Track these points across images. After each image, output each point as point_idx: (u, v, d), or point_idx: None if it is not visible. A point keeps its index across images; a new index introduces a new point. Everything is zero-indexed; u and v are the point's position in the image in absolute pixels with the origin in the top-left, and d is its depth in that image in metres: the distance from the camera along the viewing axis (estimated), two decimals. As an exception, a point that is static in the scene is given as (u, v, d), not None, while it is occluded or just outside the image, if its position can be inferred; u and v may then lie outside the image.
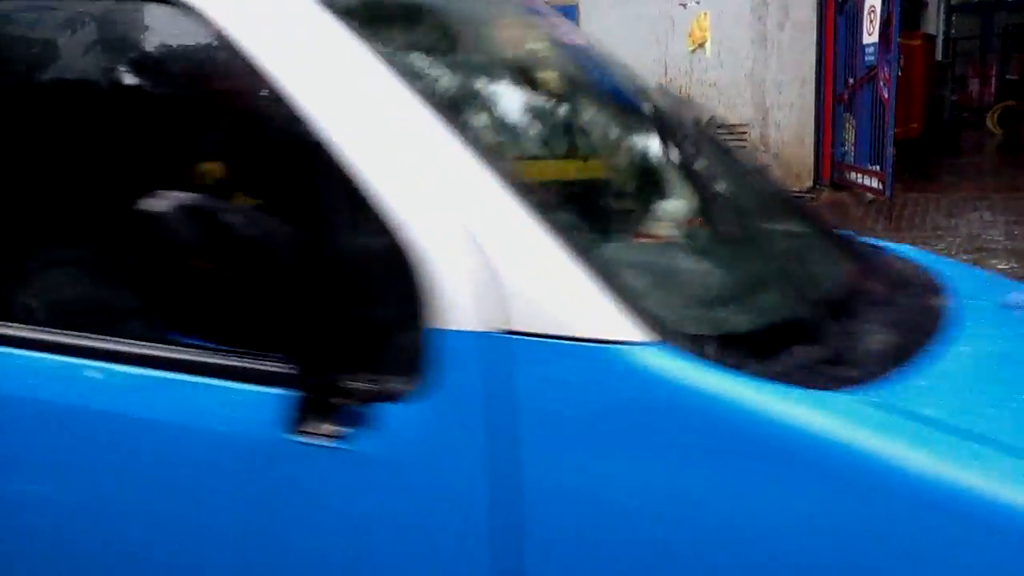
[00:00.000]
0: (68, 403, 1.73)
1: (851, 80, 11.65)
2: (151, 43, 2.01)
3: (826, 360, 1.56)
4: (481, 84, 2.09)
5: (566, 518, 1.44)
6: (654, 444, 1.40)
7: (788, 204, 2.70)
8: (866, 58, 10.99)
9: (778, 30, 11.96)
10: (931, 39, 17.76)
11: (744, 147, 12.27)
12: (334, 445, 1.51)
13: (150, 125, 1.95)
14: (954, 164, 15.06)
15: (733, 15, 12.10)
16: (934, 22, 25.31)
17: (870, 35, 10.77)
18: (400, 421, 1.50)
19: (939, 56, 21.66)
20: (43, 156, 2.01)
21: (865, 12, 10.90)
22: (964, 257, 8.34)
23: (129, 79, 2.02)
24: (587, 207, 1.98)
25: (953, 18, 25.57)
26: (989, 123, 20.53)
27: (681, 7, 12.40)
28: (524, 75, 2.24)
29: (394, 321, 1.56)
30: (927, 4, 24.07)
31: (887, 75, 10.32)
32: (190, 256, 1.41)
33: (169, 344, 1.68)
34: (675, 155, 2.30)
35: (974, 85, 24.12)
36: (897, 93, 10.51)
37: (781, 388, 1.40)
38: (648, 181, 2.31)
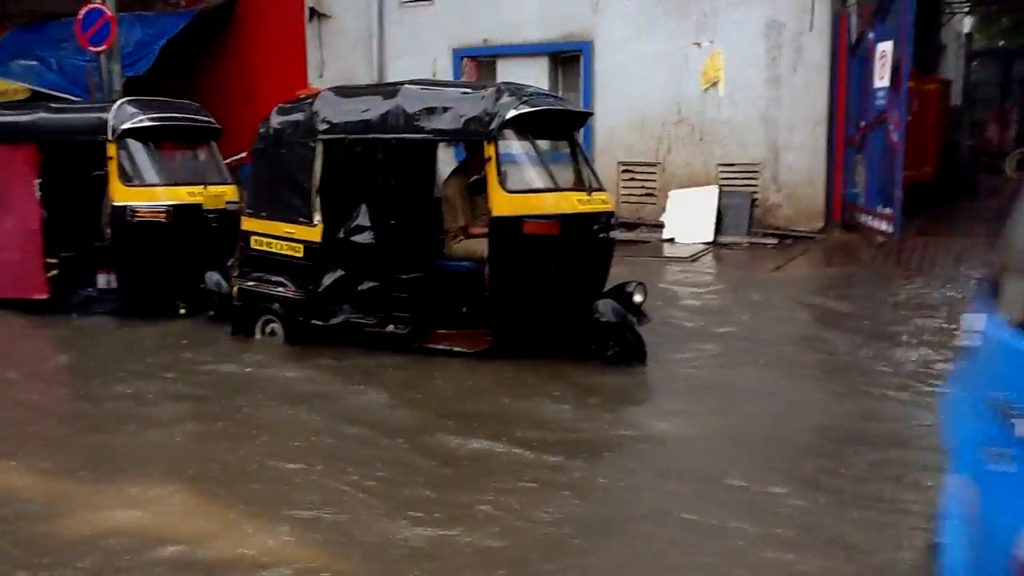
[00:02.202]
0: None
1: (863, 123, 11.72)
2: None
3: None
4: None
5: None
6: None
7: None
8: (877, 102, 11.06)
9: (791, 72, 12.06)
10: (947, 84, 17.79)
11: (755, 186, 12.34)
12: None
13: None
14: (968, 208, 15.02)
15: (747, 56, 12.21)
16: (953, 67, 25.37)
17: (881, 79, 10.85)
18: None
19: (958, 100, 21.70)
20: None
21: (876, 57, 10.99)
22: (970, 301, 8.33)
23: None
24: None
25: (973, 63, 25.61)
26: (1007, 168, 20.46)
27: (695, 47, 12.53)
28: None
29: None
30: (946, 49, 24.15)
31: (897, 119, 10.38)
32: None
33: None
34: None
35: (993, 130, 24.06)
36: (910, 137, 10.57)
37: None
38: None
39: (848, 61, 12.06)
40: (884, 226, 11.03)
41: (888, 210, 10.93)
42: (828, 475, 4.50)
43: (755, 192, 12.39)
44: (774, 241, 11.90)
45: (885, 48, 10.79)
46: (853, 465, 4.64)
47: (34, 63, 15.05)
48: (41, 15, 17.46)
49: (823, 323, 7.94)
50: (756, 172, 12.38)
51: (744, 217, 12.24)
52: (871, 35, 11.45)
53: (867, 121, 11.55)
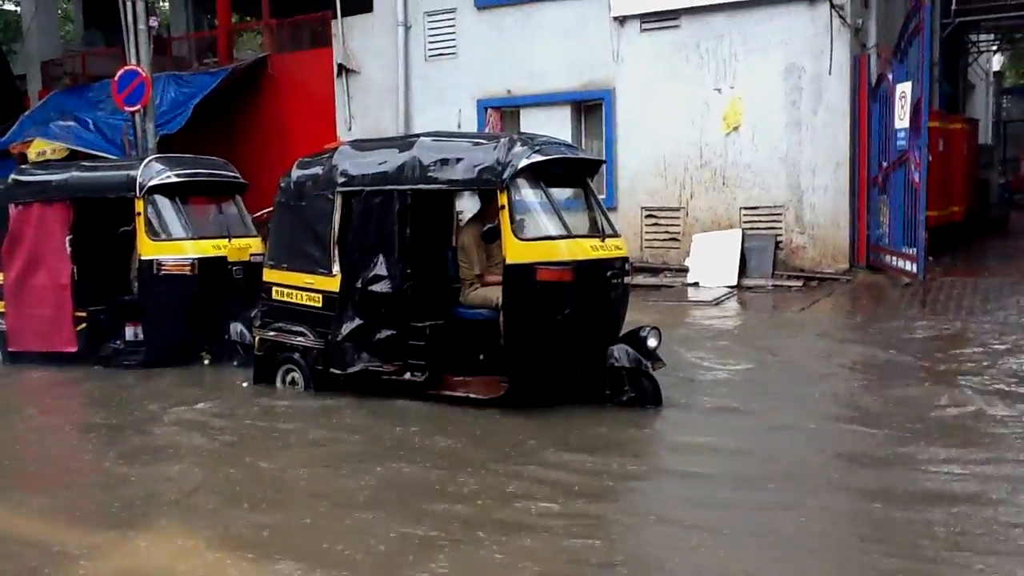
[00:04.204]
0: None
1: (885, 163, 11.70)
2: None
3: None
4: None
5: None
6: None
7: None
8: (898, 142, 11.05)
9: (812, 114, 12.10)
10: (973, 123, 17.70)
11: (779, 228, 12.33)
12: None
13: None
14: (998, 248, 14.86)
15: (767, 99, 12.29)
16: (983, 105, 25.25)
17: (901, 120, 10.85)
18: None
19: (987, 139, 21.58)
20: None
21: (896, 97, 11.00)
22: (995, 343, 8.23)
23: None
24: None
25: (1004, 101, 25.47)
26: (1041, 206, 20.26)
27: (716, 92, 12.63)
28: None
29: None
30: (975, 87, 24.07)
31: (918, 159, 10.36)
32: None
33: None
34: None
35: (1026, 168, 23.86)
36: (936, 176, 10.53)
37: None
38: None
39: (868, 102, 12.09)
40: (909, 267, 10.96)
41: (913, 250, 10.86)
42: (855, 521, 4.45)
43: (779, 235, 12.38)
44: (799, 283, 11.85)
45: (904, 89, 10.82)
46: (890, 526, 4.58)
47: (72, 123, 15.57)
48: (84, 77, 18.12)
49: (845, 366, 7.88)
50: (779, 215, 12.38)
51: (768, 260, 12.22)
52: (890, 76, 11.48)
53: (889, 162, 11.53)
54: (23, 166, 11.22)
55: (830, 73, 11.93)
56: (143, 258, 8.35)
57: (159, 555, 4.24)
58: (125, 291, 8.89)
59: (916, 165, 10.41)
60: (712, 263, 12.32)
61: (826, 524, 4.42)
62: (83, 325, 8.67)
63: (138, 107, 12.49)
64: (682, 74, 12.84)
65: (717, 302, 11.19)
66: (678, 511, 4.66)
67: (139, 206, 8.34)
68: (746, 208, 12.56)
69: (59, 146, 14.99)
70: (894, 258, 11.47)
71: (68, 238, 8.61)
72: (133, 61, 12.59)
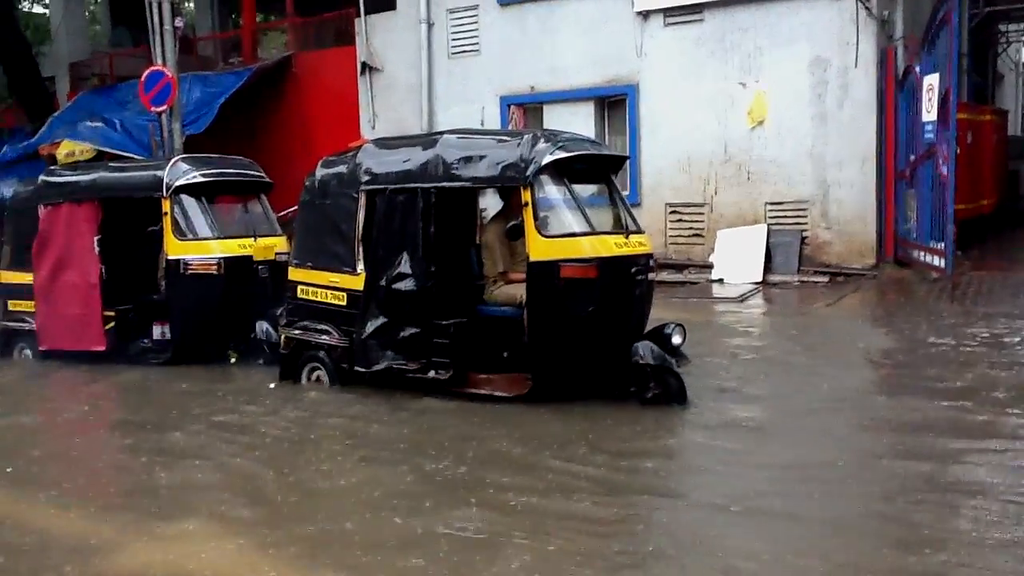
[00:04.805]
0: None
1: (912, 157, 11.57)
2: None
3: None
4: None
5: None
6: None
7: None
8: (926, 135, 10.93)
9: (838, 108, 12.00)
10: (1003, 114, 17.46)
11: (805, 224, 12.24)
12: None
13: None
14: (1029, 241, 14.68)
15: (793, 93, 12.19)
16: (1012, 96, 24.91)
17: (928, 112, 10.73)
18: None
19: (1017, 130, 21.28)
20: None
21: (924, 90, 10.88)
22: (1025, 337, 8.13)
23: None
24: None
25: (1034, 91, 25.13)
26: (1072, 198, 19.94)
27: (740, 86, 12.55)
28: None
29: None
30: (1004, 78, 23.75)
31: (946, 152, 10.24)
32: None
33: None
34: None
35: (1058, 159, 23.48)
36: (964, 169, 10.41)
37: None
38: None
39: (895, 95, 11.96)
40: (937, 261, 10.83)
41: (941, 245, 10.74)
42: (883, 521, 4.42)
43: (804, 230, 12.28)
44: (825, 279, 11.76)
45: (932, 81, 10.69)
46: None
47: (100, 124, 15.71)
48: (111, 78, 18.30)
49: (873, 360, 7.80)
50: (805, 210, 12.28)
51: (794, 255, 12.13)
52: (917, 68, 11.35)
53: (917, 155, 11.41)
54: (52, 167, 11.34)
55: (856, 66, 11.82)
56: (170, 257, 8.43)
57: (188, 553, 4.28)
58: (152, 290, 8.98)
59: (944, 158, 10.29)
60: (737, 259, 12.25)
61: (860, 519, 4.38)
62: (112, 324, 8.76)
63: (164, 107, 12.59)
64: (706, 68, 12.77)
65: (743, 298, 11.13)
66: (714, 500, 4.67)
67: (166, 206, 8.41)
68: (771, 203, 12.47)
69: (87, 147, 15.14)
70: (922, 253, 11.35)
71: (96, 238, 8.70)
72: (159, 62, 12.70)
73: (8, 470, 5.78)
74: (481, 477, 5.13)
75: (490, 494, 4.85)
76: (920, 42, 11.55)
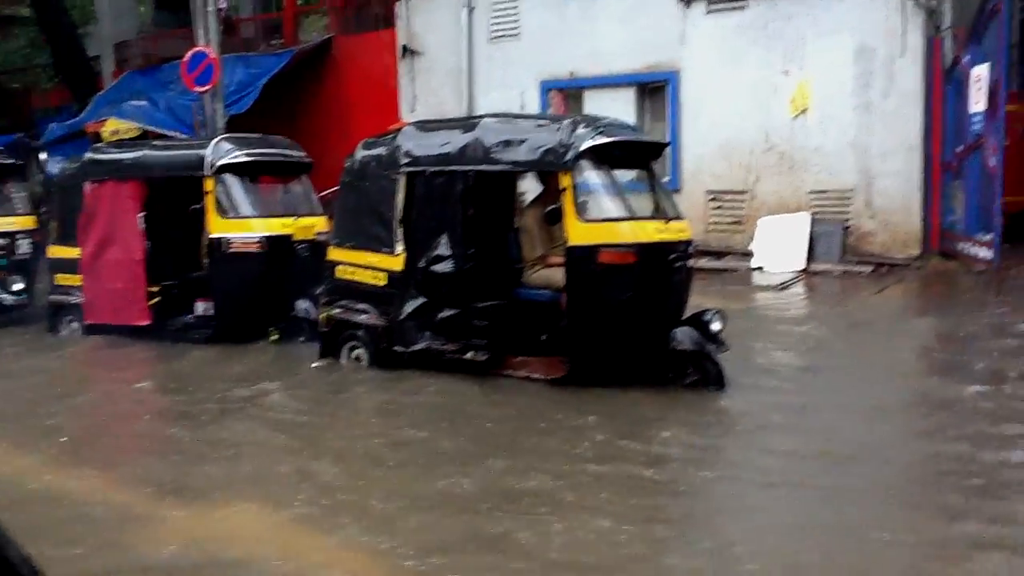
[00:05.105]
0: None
1: (959, 148, 11.38)
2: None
3: None
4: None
5: None
6: None
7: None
8: (973, 126, 10.74)
9: (883, 98, 11.81)
10: (1053, 106, 17.05)
11: (848, 213, 12.09)
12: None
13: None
14: (1078, 235, 14.34)
15: (836, 83, 12.03)
16: (1063, 88, 24.34)
17: (977, 104, 10.53)
18: None
19: (1067, 123, 20.82)
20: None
21: (972, 80, 10.68)
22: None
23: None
24: None
25: (1086, 84, 24.52)
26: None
27: (783, 74, 12.40)
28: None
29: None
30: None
31: (994, 144, 10.06)
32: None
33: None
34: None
35: (1109, 153, 22.96)
36: (1013, 161, 10.18)
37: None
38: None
39: (943, 85, 11.75)
40: (984, 253, 10.64)
41: (988, 237, 10.55)
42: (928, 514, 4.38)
43: (847, 219, 12.13)
44: (868, 269, 11.61)
45: (981, 71, 10.48)
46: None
47: (144, 103, 15.91)
48: (155, 58, 18.52)
49: (916, 352, 7.71)
50: (848, 199, 12.12)
51: (836, 244, 11.99)
52: (966, 58, 11.14)
53: (964, 146, 11.21)
54: (97, 144, 11.51)
55: (902, 55, 11.62)
56: (212, 236, 8.54)
57: (231, 526, 4.36)
58: (195, 268, 9.10)
59: (993, 150, 10.10)
60: (778, 247, 12.13)
61: (897, 508, 4.36)
62: (156, 299, 8.90)
63: (208, 87, 12.71)
64: (748, 56, 12.62)
65: (784, 286, 11.03)
66: (753, 476, 4.70)
67: (208, 185, 8.51)
68: (814, 192, 12.32)
69: (131, 125, 15.35)
70: (968, 245, 11.16)
71: (141, 215, 8.83)
72: (202, 43, 12.81)
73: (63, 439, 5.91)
74: (532, 444, 5.23)
75: (537, 460, 4.98)
76: (968, 33, 11.33)
